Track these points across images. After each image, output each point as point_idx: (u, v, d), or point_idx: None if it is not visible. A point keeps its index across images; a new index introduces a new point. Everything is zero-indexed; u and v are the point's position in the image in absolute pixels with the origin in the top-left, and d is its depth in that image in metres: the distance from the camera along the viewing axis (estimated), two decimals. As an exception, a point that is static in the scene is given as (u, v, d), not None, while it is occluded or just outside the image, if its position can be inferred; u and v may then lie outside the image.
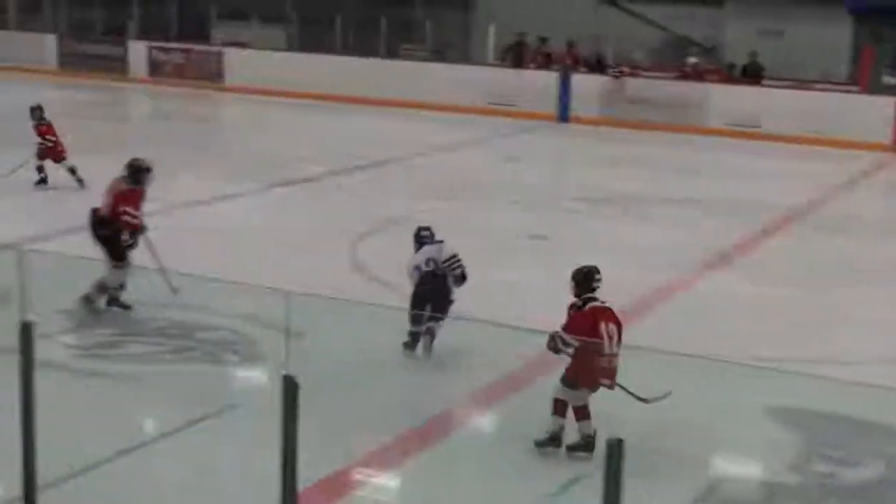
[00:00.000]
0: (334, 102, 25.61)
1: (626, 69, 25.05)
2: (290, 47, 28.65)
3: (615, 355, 7.63)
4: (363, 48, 27.22)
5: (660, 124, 23.69)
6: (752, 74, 24.63)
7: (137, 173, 10.73)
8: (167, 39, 29.39)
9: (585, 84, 24.86)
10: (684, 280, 12.49)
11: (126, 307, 10.49)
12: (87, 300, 10.39)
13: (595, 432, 7.54)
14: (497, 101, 25.45)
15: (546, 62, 26.08)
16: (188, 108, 25.55)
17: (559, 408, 7.68)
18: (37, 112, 16.81)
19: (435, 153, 20.36)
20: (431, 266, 9.69)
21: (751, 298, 11.77)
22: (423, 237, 9.99)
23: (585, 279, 7.90)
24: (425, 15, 27.78)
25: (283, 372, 5.51)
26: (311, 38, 28.05)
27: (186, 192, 15.91)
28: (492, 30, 26.78)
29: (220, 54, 28.70)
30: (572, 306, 7.90)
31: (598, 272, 7.92)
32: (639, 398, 7.66)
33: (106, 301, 10.52)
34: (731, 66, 25.74)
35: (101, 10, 30.66)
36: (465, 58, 27.48)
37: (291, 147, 18.24)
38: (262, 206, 15.95)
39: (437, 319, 9.41)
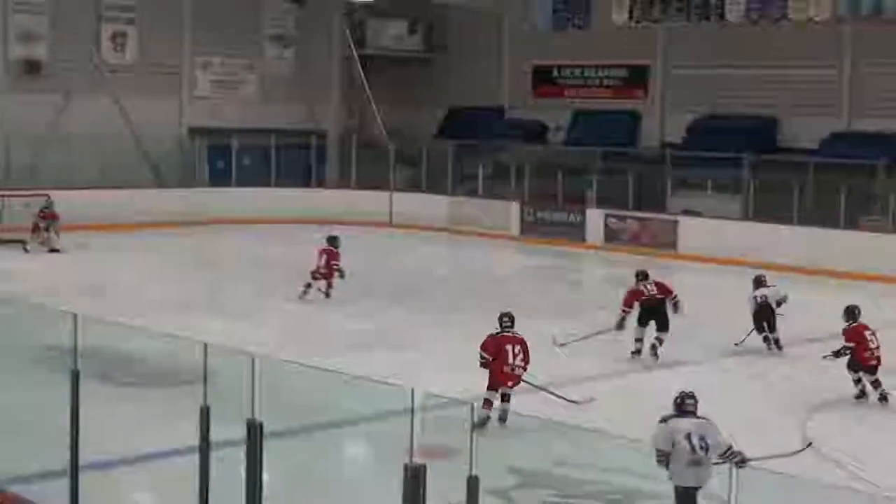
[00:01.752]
0: (789, 273, 25.05)
1: None
2: (744, 216, 28.49)
3: (518, 366, 12.48)
4: (821, 218, 26.60)
5: None
6: None
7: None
8: (623, 208, 30.08)
9: None
10: None
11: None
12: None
13: (489, 417, 12.10)
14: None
15: None
16: (641, 275, 25.80)
17: (486, 404, 12.23)
18: (330, 239, 20.56)
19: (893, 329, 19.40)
20: (763, 299, 17.08)
21: None
22: (761, 281, 17.66)
23: (500, 320, 12.85)
24: (888, 185, 26.80)
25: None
26: (767, 207, 27.72)
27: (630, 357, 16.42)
28: (955, 200, 25.45)
29: (674, 223, 29.01)
30: (490, 335, 12.77)
31: (507, 317, 12.88)
32: (569, 401, 12.95)
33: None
34: None
35: (562, 180, 31.88)
36: (929, 229, 26.22)
37: (743, 318, 18.03)
38: (709, 374, 15.79)
39: (773, 330, 16.94)
